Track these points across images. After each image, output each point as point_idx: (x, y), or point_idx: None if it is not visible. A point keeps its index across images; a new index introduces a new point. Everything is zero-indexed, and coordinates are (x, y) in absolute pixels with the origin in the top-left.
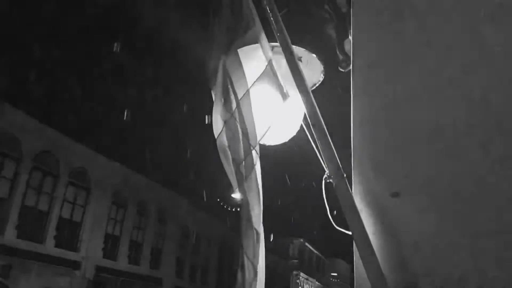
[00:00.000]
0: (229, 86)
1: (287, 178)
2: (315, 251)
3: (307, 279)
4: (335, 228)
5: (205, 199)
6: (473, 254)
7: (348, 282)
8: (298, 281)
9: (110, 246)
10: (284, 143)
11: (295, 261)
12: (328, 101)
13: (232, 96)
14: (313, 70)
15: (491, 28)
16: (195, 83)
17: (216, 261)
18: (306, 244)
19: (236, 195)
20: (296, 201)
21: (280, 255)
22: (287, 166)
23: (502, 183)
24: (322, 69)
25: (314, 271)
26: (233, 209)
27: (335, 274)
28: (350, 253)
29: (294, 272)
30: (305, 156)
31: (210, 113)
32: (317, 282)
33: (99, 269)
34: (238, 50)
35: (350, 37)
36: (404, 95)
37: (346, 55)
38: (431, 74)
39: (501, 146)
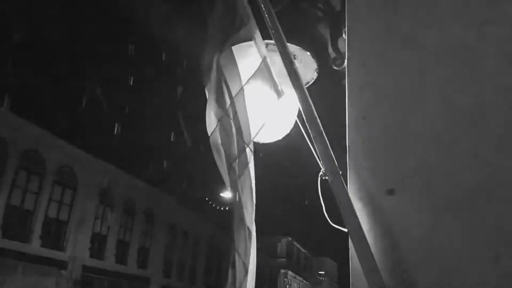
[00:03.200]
0: (223, 84)
1: (278, 176)
2: (303, 250)
3: (294, 278)
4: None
5: (193, 198)
6: (469, 250)
7: (335, 280)
8: (286, 279)
9: (97, 245)
10: (278, 141)
11: (283, 259)
12: (323, 99)
13: (226, 94)
14: (307, 68)
15: (486, 29)
16: (186, 82)
17: (204, 260)
18: (294, 242)
19: (225, 194)
20: (286, 199)
21: (268, 253)
22: (279, 164)
23: (499, 180)
24: (316, 67)
25: (301, 270)
26: (222, 208)
27: (323, 272)
28: (337, 251)
29: (282, 271)
30: (299, 153)
31: (202, 111)
32: (304, 281)
33: (86, 268)
34: (232, 47)
35: (344, 36)
36: (399, 93)
37: (340, 53)
38: (427, 72)
39: (498, 143)
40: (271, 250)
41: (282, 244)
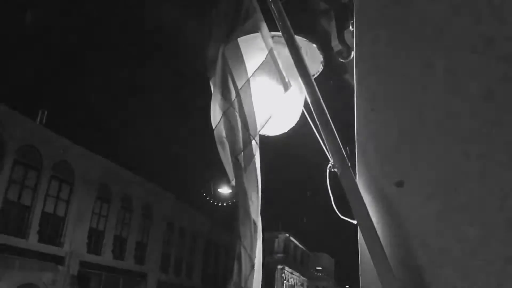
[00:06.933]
0: (229, 76)
1: (277, 170)
2: (300, 246)
3: (291, 273)
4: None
5: (190, 194)
6: (479, 242)
7: (332, 275)
8: (283, 275)
9: (94, 241)
10: (283, 134)
11: (280, 255)
12: (330, 91)
13: (232, 86)
14: (313, 60)
15: (495, 21)
16: (186, 76)
17: (201, 256)
18: (291, 238)
19: (223, 190)
20: (282, 195)
21: (265, 249)
22: (278, 159)
23: (508, 171)
24: (322, 59)
25: (298, 265)
26: (219, 204)
27: (320, 268)
28: (335, 247)
29: (279, 266)
30: (299, 147)
31: (202, 104)
32: (302, 276)
33: (83, 264)
34: (238, 39)
35: (351, 27)
36: (408, 83)
37: (346, 46)
38: (437, 62)
39: (508, 134)
40: (268, 246)
41: (280, 239)
